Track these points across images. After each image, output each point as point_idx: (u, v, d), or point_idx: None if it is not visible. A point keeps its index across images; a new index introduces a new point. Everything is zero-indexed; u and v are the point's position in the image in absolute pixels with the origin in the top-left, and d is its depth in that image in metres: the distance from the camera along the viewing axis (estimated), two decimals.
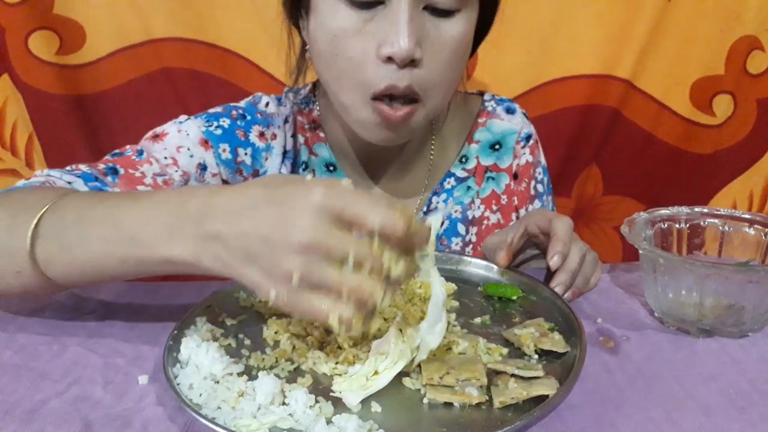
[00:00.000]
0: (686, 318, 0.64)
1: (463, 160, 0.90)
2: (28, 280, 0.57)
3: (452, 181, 0.89)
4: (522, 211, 0.92)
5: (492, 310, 0.66)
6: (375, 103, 0.69)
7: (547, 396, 0.49)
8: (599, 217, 1.31)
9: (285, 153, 0.84)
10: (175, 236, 0.49)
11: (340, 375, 0.54)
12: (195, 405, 0.48)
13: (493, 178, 0.91)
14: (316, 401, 0.50)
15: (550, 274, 0.66)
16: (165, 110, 0.99)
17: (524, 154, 0.92)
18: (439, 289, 0.53)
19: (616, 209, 1.29)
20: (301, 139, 0.86)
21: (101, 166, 0.72)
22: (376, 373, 0.52)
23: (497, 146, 0.91)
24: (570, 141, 1.22)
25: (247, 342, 0.59)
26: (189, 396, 0.50)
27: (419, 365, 0.53)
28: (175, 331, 0.57)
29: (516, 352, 0.58)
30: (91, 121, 1.14)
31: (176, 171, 0.75)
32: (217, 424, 0.45)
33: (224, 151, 0.79)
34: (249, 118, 0.82)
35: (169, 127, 0.79)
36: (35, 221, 0.55)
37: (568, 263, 0.65)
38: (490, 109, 0.92)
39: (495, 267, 0.72)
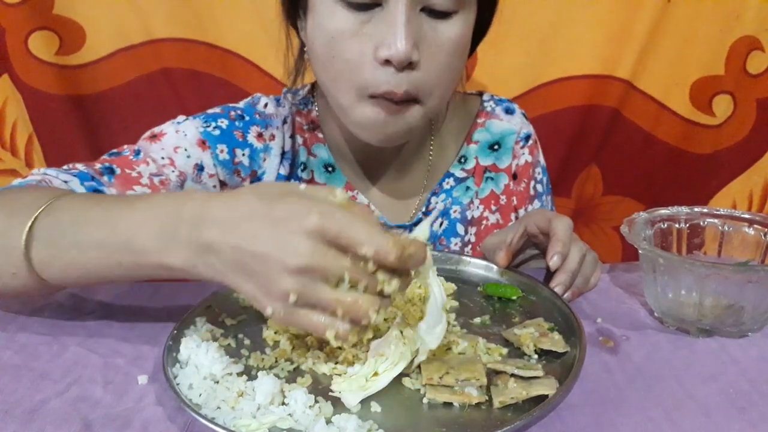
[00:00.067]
0: (686, 318, 0.64)
1: (462, 160, 0.90)
2: (24, 281, 0.57)
3: (451, 181, 0.89)
4: (521, 212, 0.92)
5: (492, 310, 0.66)
6: (373, 98, 0.69)
7: (546, 396, 0.49)
8: (599, 217, 1.31)
9: (283, 154, 0.84)
10: (169, 243, 0.50)
11: (339, 375, 0.54)
12: (195, 405, 0.48)
13: (492, 179, 0.91)
14: (316, 401, 0.50)
15: (549, 274, 0.66)
16: (165, 110, 0.99)
17: (523, 154, 0.92)
18: (438, 291, 0.53)
19: (616, 209, 1.29)
20: (299, 139, 0.86)
21: (98, 165, 0.72)
22: (375, 374, 0.52)
23: (496, 146, 0.91)
24: (570, 141, 1.22)
25: (247, 342, 0.59)
26: (189, 396, 0.50)
27: (419, 365, 0.53)
28: (175, 331, 0.57)
29: (516, 352, 0.58)
30: (90, 121, 1.14)
31: (173, 171, 0.75)
32: (216, 424, 0.45)
33: (222, 151, 0.79)
34: (247, 118, 0.82)
35: (167, 128, 0.78)
36: (30, 223, 0.55)
37: (568, 263, 0.65)
38: (489, 109, 0.92)
39: (495, 267, 0.73)
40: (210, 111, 0.82)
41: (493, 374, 0.53)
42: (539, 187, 0.94)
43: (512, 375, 0.52)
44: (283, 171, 0.83)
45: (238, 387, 0.51)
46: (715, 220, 0.72)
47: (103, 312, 0.67)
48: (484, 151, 0.91)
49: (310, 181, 0.86)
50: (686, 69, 1.18)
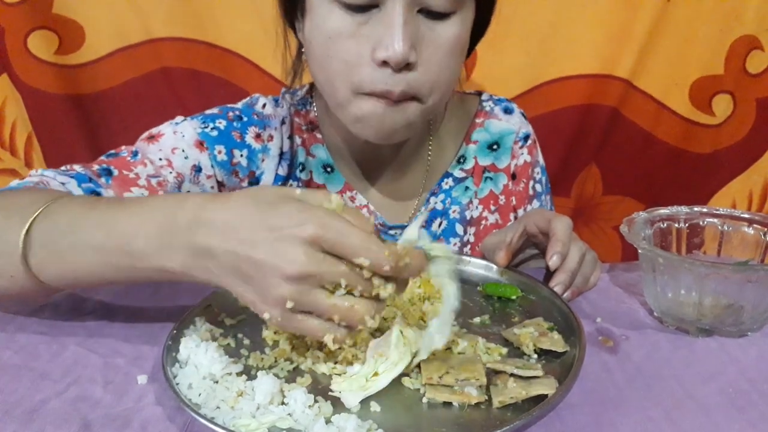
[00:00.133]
0: (685, 317, 0.64)
1: (461, 160, 0.90)
2: (22, 284, 0.57)
3: (450, 181, 0.89)
4: (520, 211, 0.92)
5: (491, 310, 0.66)
6: (369, 95, 0.68)
7: (546, 395, 0.49)
8: (598, 217, 1.31)
9: (282, 154, 0.83)
10: (166, 247, 0.50)
11: (339, 375, 0.54)
12: (194, 405, 0.48)
13: (491, 179, 0.91)
14: (315, 401, 0.50)
15: (549, 274, 0.66)
16: (164, 110, 0.99)
17: (522, 154, 0.92)
18: (453, 290, 0.54)
19: (616, 209, 1.29)
20: (298, 140, 0.86)
21: (95, 167, 0.72)
22: (375, 374, 0.52)
23: (495, 146, 0.91)
24: (569, 141, 1.22)
25: (246, 342, 0.59)
26: (188, 396, 0.50)
27: (419, 365, 0.53)
28: (175, 331, 0.57)
29: (515, 351, 0.58)
30: (90, 120, 1.14)
31: (170, 173, 0.75)
32: (216, 424, 0.45)
33: (220, 152, 0.79)
34: (245, 119, 0.82)
35: (165, 128, 0.78)
36: (27, 225, 0.55)
37: (568, 263, 0.65)
38: (487, 109, 0.92)
39: (494, 267, 0.72)
40: (208, 112, 0.82)
41: (492, 374, 0.53)
42: (538, 187, 0.93)
43: (512, 375, 0.52)
44: (282, 171, 0.83)
45: (238, 387, 0.51)
46: (715, 220, 0.72)
47: (103, 312, 0.67)
48: (483, 151, 0.91)
49: (309, 181, 0.86)
50: (686, 69, 1.18)
